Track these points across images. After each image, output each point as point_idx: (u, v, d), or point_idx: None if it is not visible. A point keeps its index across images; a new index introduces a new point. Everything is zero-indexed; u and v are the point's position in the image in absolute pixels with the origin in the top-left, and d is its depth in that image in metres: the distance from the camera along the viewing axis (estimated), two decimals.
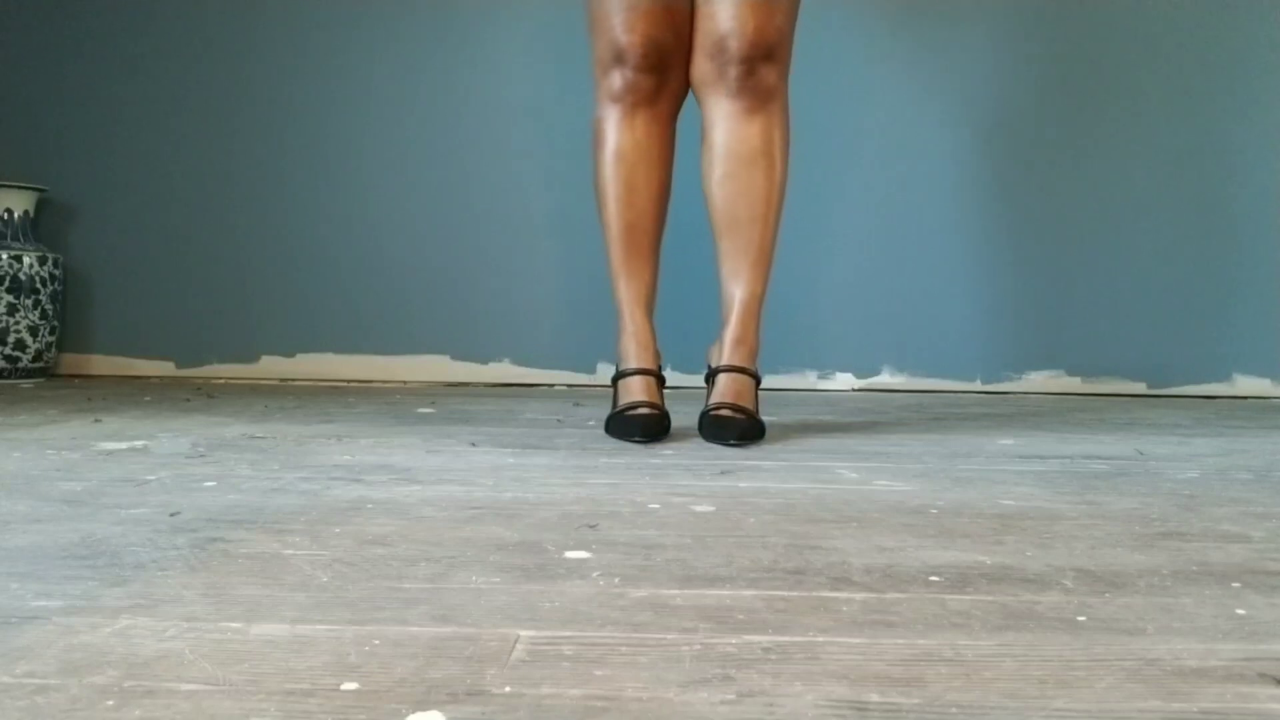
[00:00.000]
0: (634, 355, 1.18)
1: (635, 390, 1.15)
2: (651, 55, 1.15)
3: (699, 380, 1.66)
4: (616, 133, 1.19)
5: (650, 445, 1.08)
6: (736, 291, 1.17)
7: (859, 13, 1.95)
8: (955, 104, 1.96)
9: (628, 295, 1.20)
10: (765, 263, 1.18)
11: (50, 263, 1.92)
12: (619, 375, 1.19)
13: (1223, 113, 1.94)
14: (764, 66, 1.14)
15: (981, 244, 1.96)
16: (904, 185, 1.97)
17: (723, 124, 1.16)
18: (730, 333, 1.16)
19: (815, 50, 1.87)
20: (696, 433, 1.14)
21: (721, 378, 1.15)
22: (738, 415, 1.10)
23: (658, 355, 1.20)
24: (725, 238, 1.18)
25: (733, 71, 1.14)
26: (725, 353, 1.16)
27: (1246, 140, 1.94)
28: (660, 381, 1.18)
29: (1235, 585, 0.53)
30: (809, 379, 1.97)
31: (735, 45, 1.12)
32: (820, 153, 1.92)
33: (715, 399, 1.13)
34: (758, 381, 1.16)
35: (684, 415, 1.26)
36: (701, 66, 1.16)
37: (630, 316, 1.20)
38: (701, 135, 1.20)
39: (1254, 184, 1.94)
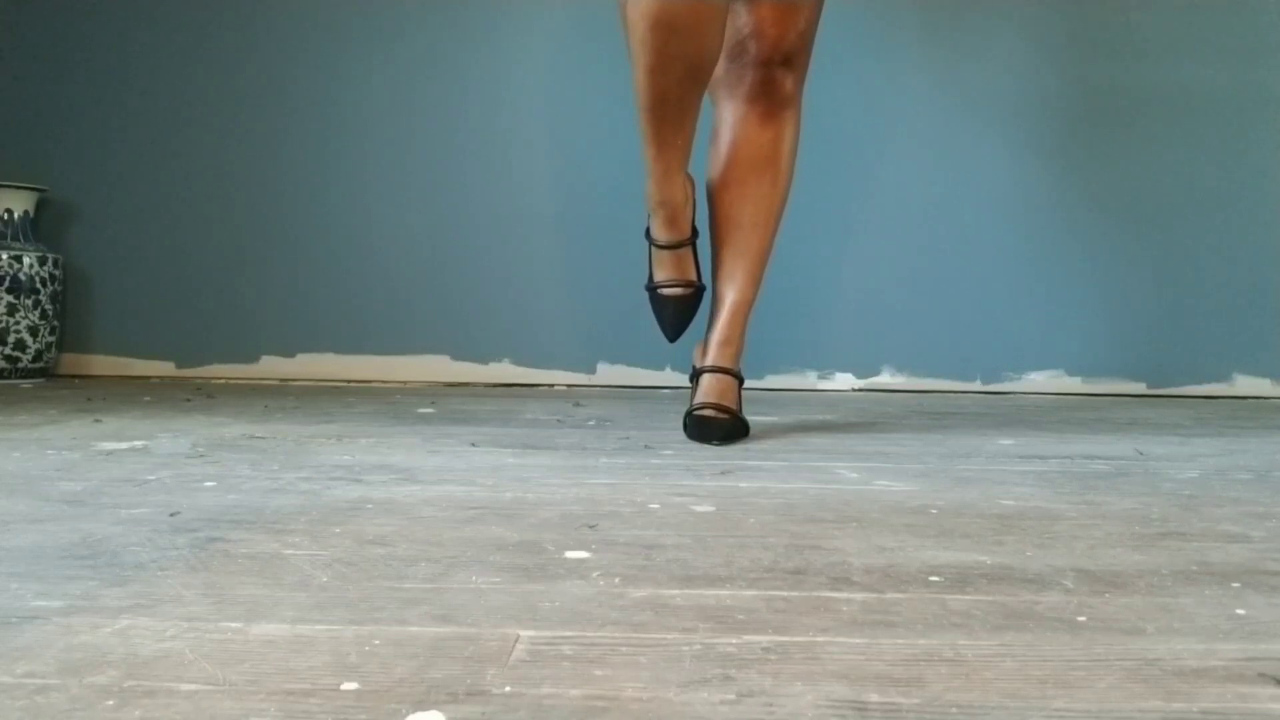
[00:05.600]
0: (660, 228, 1.15)
1: (666, 266, 1.17)
2: None
3: None
4: None
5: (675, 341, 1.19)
6: (728, 293, 1.17)
7: (859, 11, 1.95)
8: (955, 106, 1.96)
9: (656, 165, 1.11)
10: (760, 269, 1.18)
11: (50, 263, 1.92)
12: (651, 242, 1.18)
13: (1222, 113, 1.94)
14: (781, 72, 1.13)
15: (981, 244, 1.96)
16: (904, 186, 1.97)
17: (735, 127, 1.15)
18: (716, 334, 1.16)
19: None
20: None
21: (705, 378, 1.15)
22: (722, 415, 1.11)
23: (690, 220, 1.16)
24: (724, 240, 1.18)
25: (750, 75, 1.12)
26: (710, 353, 1.16)
27: (1246, 140, 1.94)
28: (694, 240, 1.17)
29: (1235, 585, 0.53)
30: (809, 379, 1.97)
31: (754, 48, 1.11)
32: (819, 153, 1.91)
33: (700, 399, 1.13)
34: (741, 382, 1.17)
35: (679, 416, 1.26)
36: (718, 67, 1.12)
37: (658, 186, 1.12)
38: (711, 134, 1.19)
39: (1254, 184, 1.94)
